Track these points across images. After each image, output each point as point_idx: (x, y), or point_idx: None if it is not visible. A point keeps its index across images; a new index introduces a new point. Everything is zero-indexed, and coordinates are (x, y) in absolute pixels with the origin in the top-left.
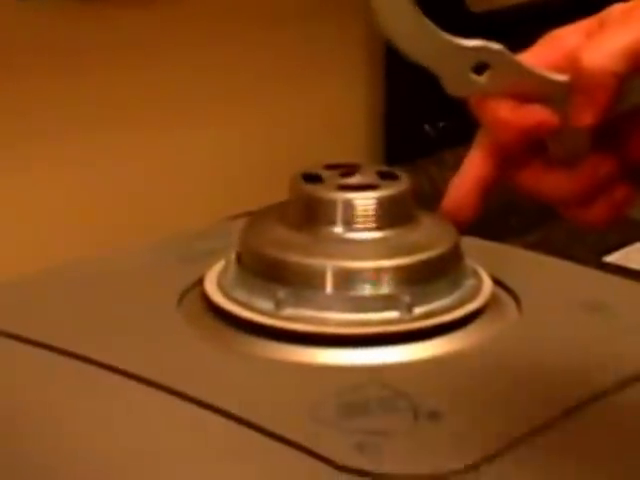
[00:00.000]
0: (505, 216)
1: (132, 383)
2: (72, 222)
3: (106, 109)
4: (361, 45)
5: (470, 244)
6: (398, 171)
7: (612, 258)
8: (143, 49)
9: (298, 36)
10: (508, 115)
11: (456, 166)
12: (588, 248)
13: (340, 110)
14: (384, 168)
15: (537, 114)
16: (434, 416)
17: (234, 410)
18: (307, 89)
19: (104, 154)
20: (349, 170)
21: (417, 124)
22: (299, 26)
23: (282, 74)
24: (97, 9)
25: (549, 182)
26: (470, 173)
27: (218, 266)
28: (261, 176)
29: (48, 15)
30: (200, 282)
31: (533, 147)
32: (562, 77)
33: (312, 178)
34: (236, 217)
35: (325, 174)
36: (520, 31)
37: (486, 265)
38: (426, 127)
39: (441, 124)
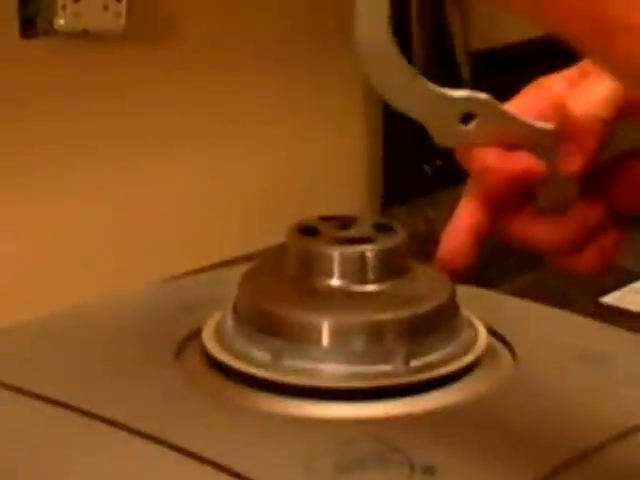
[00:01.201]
0: (501, 256)
1: (129, 436)
2: (74, 264)
3: (107, 145)
4: (360, 86)
5: (464, 292)
6: (394, 223)
7: (608, 299)
8: (146, 87)
9: (296, 79)
10: (495, 163)
11: (452, 206)
12: (584, 289)
13: (338, 151)
14: (380, 220)
15: (524, 161)
16: (430, 471)
17: (230, 464)
18: (306, 130)
19: (110, 191)
20: (345, 222)
21: (416, 164)
22: (298, 69)
23: (279, 117)
24: (101, 47)
25: (538, 230)
26: (462, 222)
27: (216, 317)
28: (259, 218)
29: (52, 53)
30: (198, 333)
31: (522, 195)
32: (548, 125)
33: (308, 230)
34: (232, 262)
35: (321, 226)
36: (520, 68)
37: (481, 314)
38: (425, 167)
39: (438, 162)
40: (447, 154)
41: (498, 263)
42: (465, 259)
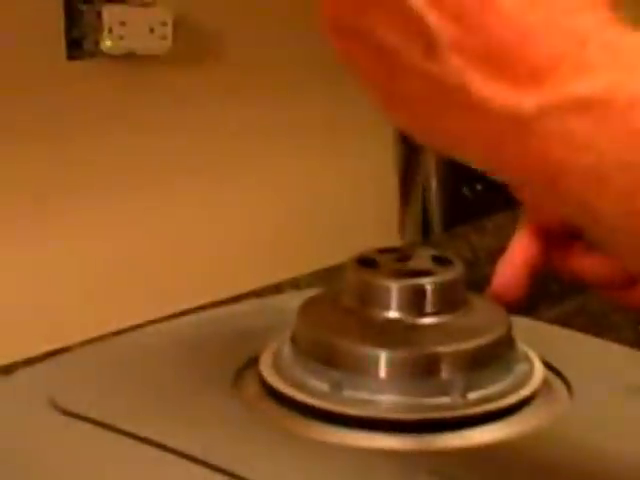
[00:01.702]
0: (544, 283)
1: (187, 464)
2: (82, 297)
3: (150, 166)
4: None
5: (519, 324)
6: (452, 256)
7: None
8: (191, 109)
9: (340, 101)
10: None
11: (495, 233)
12: (627, 316)
13: (376, 175)
14: (438, 253)
15: None
16: None
17: None
18: (337, 156)
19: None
20: (404, 254)
21: (455, 188)
22: (341, 92)
23: (321, 137)
24: (147, 69)
25: (589, 264)
26: (517, 256)
27: (273, 346)
28: (288, 247)
29: (98, 74)
30: (255, 361)
31: (575, 228)
32: None
33: (367, 262)
34: (258, 293)
35: (380, 258)
36: None
37: (535, 347)
38: (464, 190)
39: (479, 187)
40: (486, 178)
41: (541, 289)
42: (518, 291)
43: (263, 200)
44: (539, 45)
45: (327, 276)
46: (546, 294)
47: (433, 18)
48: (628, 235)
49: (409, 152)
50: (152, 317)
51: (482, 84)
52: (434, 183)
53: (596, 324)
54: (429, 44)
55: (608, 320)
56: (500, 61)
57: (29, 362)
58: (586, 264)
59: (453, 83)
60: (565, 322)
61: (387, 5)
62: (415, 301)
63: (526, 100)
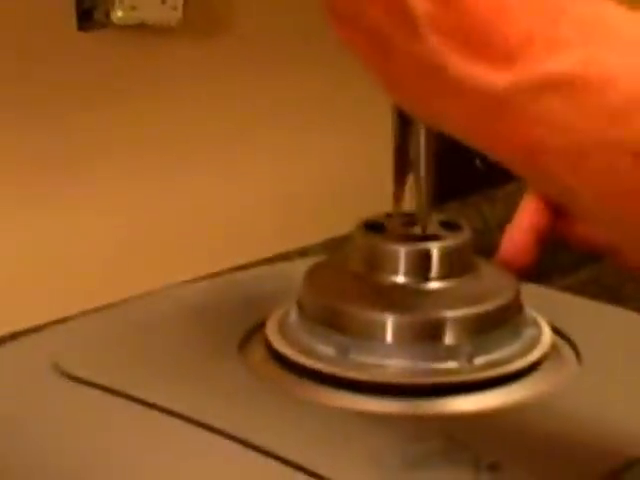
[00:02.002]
0: (556, 253)
1: (194, 429)
2: (91, 269)
3: (164, 138)
4: None
5: (528, 290)
6: (460, 221)
7: None
8: (202, 80)
9: (351, 74)
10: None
11: (507, 202)
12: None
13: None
14: (446, 217)
15: None
16: (495, 468)
17: (295, 457)
18: (349, 125)
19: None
20: (412, 219)
21: (468, 159)
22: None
23: (333, 110)
24: (158, 39)
25: (599, 231)
26: (524, 222)
27: (279, 311)
28: (305, 215)
29: (109, 45)
30: (261, 326)
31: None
32: None
33: (375, 227)
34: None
35: (388, 223)
36: None
37: (544, 313)
38: (477, 161)
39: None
40: None
41: (553, 259)
42: (527, 258)
43: (271, 169)
44: (512, 22)
45: (336, 246)
46: (559, 263)
47: (410, 0)
48: (606, 214)
49: (403, 124)
50: (161, 286)
51: (459, 63)
52: (423, 156)
53: (610, 294)
54: (412, 25)
55: (622, 290)
56: (475, 40)
57: (33, 331)
58: (593, 230)
59: (434, 62)
60: (578, 292)
61: None
62: (422, 266)
63: (500, 78)
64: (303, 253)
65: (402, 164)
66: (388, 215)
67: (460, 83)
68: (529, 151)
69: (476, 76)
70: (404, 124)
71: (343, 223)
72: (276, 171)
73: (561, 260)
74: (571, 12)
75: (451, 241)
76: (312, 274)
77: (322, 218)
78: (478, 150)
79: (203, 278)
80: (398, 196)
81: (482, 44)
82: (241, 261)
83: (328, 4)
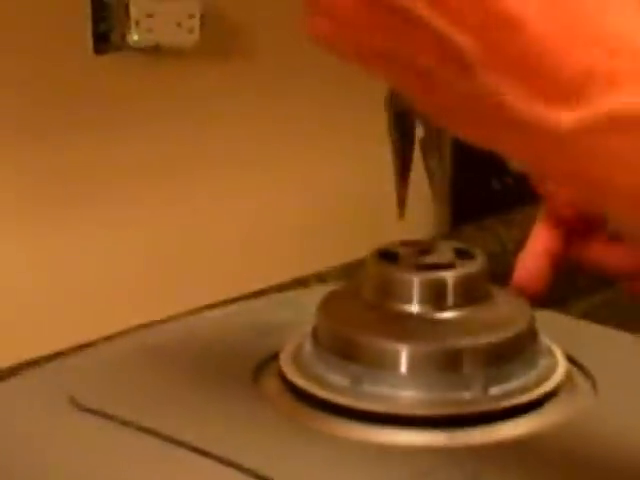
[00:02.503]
0: (571, 276)
1: (206, 460)
2: (108, 290)
3: (180, 161)
4: None
5: (542, 317)
6: (474, 249)
7: None
8: (218, 102)
9: (366, 96)
10: (567, 190)
11: (523, 225)
12: None
13: None
14: (460, 245)
15: None
16: None
17: None
18: (373, 145)
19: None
20: (426, 247)
21: (484, 180)
22: (369, 85)
23: (346, 133)
24: (174, 62)
25: (610, 256)
26: (538, 247)
27: (293, 340)
28: (318, 240)
29: (125, 68)
30: (275, 357)
31: (595, 220)
32: None
33: (388, 255)
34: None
35: (401, 251)
36: None
37: (559, 340)
38: (493, 182)
39: (509, 180)
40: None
41: (569, 283)
42: (541, 283)
43: (289, 193)
44: (569, 57)
45: (353, 270)
46: (574, 287)
47: (460, 38)
48: None
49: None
50: (175, 312)
51: (517, 101)
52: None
53: (625, 318)
54: (462, 64)
55: (637, 314)
56: (530, 77)
57: (49, 359)
58: (608, 255)
59: (489, 100)
60: (594, 316)
61: (416, 31)
62: (436, 295)
63: (564, 118)
64: (321, 277)
65: (403, 167)
66: (402, 243)
67: (519, 121)
68: (596, 188)
69: (537, 116)
70: (402, 127)
71: (361, 247)
72: (293, 194)
73: (576, 284)
74: (628, 42)
75: (465, 270)
76: (326, 303)
77: (340, 242)
78: (498, 170)
79: (219, 304)
80: (401, 199)
81: (540, 81)
82: (259, 286)
83: (352, 41)
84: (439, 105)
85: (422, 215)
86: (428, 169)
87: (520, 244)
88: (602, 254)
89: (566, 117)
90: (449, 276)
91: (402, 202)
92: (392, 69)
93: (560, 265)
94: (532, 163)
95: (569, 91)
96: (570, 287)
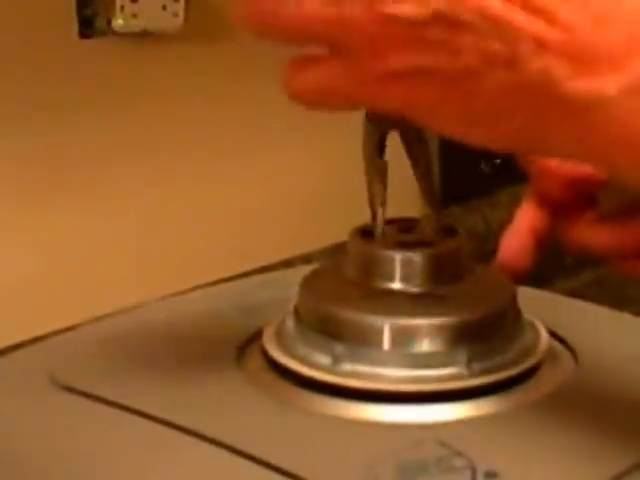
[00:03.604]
0: (559, 255)
1: (190, 439)
2: (99, 274)
3: (167, 145)
4: None
5: (525, 294)
6: (456, 226)
7: None
8: (204, 87)
9: None
10: (555, 166)
11: (511, 206)
12: None
13: (393, 149)
14: (442, 222)
15: (585, 166)
16: (492, 476)
17: (291, 467)
18: (351, 127)
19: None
20: (408, 225)
21: (473, 162)
22: None
23: (335, 116)
24: (159, 46)
25: (599, 236)
26: (523, 225)
27: (276, 320)
28: (309, 221)
29: (110, 53)
30: (258, 336)
31: (583, 199)
32: None
33: (370, 233)
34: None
35: (383, 229)
36: None
37: (542, 316)
38: (482, 165)
39: (497, 161)
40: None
41: (556, 262)
42: (525, 261)
43: (274, 175)
44: (613, 29)
45: (340, 251)
46: (561, 266)
47: (520, 17)
48: None
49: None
50: (162, 294)
51: (565, 78)
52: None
53: (612, 297)
54: (510, 58)
55: (624, 293)
56: (577, 50)
57: (38, 340)
58: (596, 235)
59: (539, 85)
60: (580, 295)
61: (460, 36)
62: (418, 272)
63: (607, 84)
64: (307, 259)
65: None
66: (385, 221)
67: (568, 98)
68: (637, 153)
69: (584, 87)
70: (376, 131)
71: (347, 229)
72: (279, 176)
73: (564, 262)
74: None
75: (446, 247)
76: (308, 281)
77: (326, 224)
78: (486, 153)
79: (204, 286)
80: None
81: (587, 55)
82: (244, 268)
83: (380, 64)
84: (477, 114)
85: (408, 196)
86: (412, 159)
87: (506, 225)
88: (591, 234)
89: (611, 85)
90: (430, 253)
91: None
92: (430, 87)
93: (545, 244)
94: (577, 144)
95: (616, 61)
96: (557, 266)
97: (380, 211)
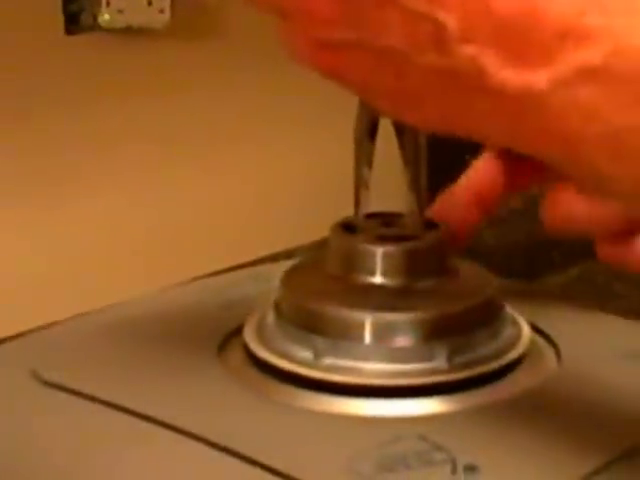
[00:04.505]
0: (547, 250)
1: (171, 434)
2: (99, 265)
3: (151, 141)
4: None
5: (507, 288)
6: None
7: None
8: (190, 83)
9: None
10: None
11: None
12: (629, 284)
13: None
14: (425, 217)
15: None
16: (472, 469)
17: (271, 461)
18: (340, 127)
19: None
20: (390, 219)
21: (458, 154)
22: None
23: (325, 114)
24: (145, 42)
25: (579, 205)
26: (469, 182)
27: (257, 314)
28: (300, 216)
29: (96, 48)
30: (239, 330)
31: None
32: None
33: (351, 228)
34: (272, 258)
35: (365, 223)
36: None
37: (525, 311)
38: (467, 157)
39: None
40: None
41: (543, 256)
42: (458, 222)
43: (258, 170)
44: (543, 21)
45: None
46: (548, 261)
47: (439, 14)
48: None
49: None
50: (145, 289)
51: (495, 68)
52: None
53: (600, 293)
54: (438, 40)
55: (611, 288)
56: (509, 41)
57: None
58: (573, 204)
59: (467, 73)
60: (567, 290)
61: (388, 13)
62: (399, 266)
63: (538, 77)
64: (290, 255)
65: (366, 152)
66: (367, 215)
67: (498, 87)
68: (569, 142)
69: (514, 77)
70: (369, 114)
71: (331, 224)
72: (263, 172)
73: (551, 257)
74: (596, 2)
75: (428, 241)
76: (289, 276)
77: (309, 219)
78: (471, 145)
79: (186, 282)
80: (359, 198)
81: (516, 44)
82: (228, 263)
83: (310, 34)
84: (410, 94)
85: (396, 191)
86: (401, 146)
87: (493, 218)
88: (570, 209)
89: (540, 76)
90: (412, 247)
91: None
92: (352, 62)
93: (492, 207)
94: (509, 132)
95: (543, 51)
96: (545, 261)
97: (364, 194)
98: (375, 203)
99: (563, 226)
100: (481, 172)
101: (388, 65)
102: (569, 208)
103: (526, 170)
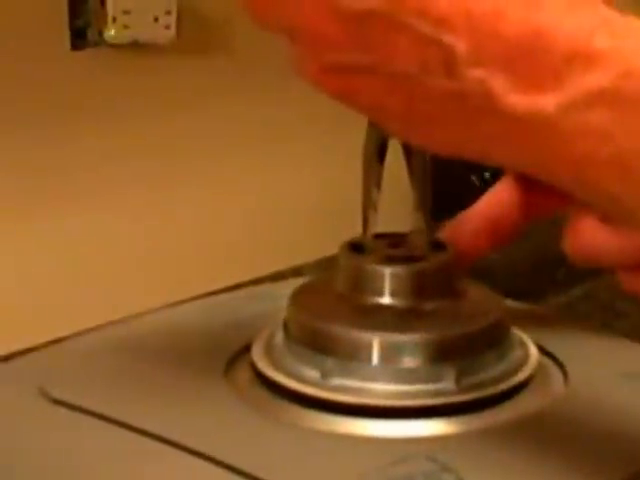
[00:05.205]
0: (551, 269)
1: (178, 452)
2: (106, 281)
3: (159, 155)
4: None
5: (515, 310)
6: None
7: None
8: (195, 99)
9: None
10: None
11: None
12: (633, 303)
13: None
14: (433, 238)
15: None
16: None
17: None
18: (356, 143)
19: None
20: (398, 240)
21: (463, 175)
22: None
23: (331, 129)
24: (151, 58)
25: (610, 241)
26: (483, 206)
27: (265, 333)
28: (307, 234)
29: (102, 64)
30: (247, 349)
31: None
32: None
33: (360, 248)
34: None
35: (373, 244)
36: None
37: (531, 332)
38: (472, 178)
39: (487, 175)
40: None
41: (547, 277)
42: (469, 246)
43: (264, 188)
44: (551, 44)
45: (330, 264)
46: (552, 281)
47: (447, 38)
48: None
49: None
50: (151, 307)
51: (504, 91)
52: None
53: (602, 311)
54: (447, 64)
55: (614, 307)
56: (517, 65)
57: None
58: (605, 240)
59: (477, 96)
60: (572, 309)
61: (397, 38)
62: (407, 287)
63: (546, 101)
64: (297, 272)
65: (375, 174)
66: (375, 236)
67: (506, 111)
68: (578, 165)
69: (522, 101)
70: (377, 135)
71: (338, 242)
72: (269, 189)
73: (555, 277)
74: (604, 28)
75: (436, 262)
76: (297, 295)
77: (317, 237)
78: (476, 166)
79: (193, 299)
80: (368, 219)
81: (525, 68)
82: (235, 281)
83: (322, 58)
84: (419, 117)
85: (400, 211)
86: (410, 167)
87: None
88: (600, 239)
89: (549, 100)
90: (420, 268)
91: (367, 224)
92: (362, 85)
93: (509, 234)
94: (518, 155)
95: (552, 75)
96: (548, 280)
97: (372, 215)
98: (383, 224)
99: (586, 256)
100: (497, 198)
101: (398, 88)
102: (592, 238)
103: (543, 200)
